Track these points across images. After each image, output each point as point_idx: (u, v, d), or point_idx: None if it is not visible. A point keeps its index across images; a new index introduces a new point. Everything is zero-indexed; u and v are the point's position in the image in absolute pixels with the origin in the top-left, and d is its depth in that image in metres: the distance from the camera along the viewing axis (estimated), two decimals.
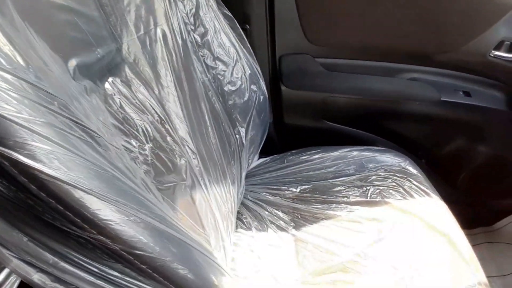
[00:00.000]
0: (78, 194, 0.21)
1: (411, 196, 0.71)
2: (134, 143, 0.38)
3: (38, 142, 0.18)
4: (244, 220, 0.73)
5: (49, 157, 0.19)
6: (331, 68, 0.83)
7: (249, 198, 0.78)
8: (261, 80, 0.74)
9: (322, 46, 0.79)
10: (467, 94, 0.85)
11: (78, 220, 0.21)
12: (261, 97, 0.73)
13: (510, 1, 0.77)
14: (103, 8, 0.41)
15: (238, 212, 0.75)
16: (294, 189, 0.79)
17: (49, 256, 0.21)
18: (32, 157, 0.18)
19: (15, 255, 0.22)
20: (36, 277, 0.22)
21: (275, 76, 0.84)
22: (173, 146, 0.45)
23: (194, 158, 0.51)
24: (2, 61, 0.20)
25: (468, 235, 1.26)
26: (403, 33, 0.79)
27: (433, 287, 0.55)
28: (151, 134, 0.41)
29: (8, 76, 0.19)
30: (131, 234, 0.23)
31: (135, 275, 0.25)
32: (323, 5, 0.72)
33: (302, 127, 0.92)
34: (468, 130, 0.92)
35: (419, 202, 0.69)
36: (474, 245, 1.17)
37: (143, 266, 0.24)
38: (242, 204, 0.77)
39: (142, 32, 0.45)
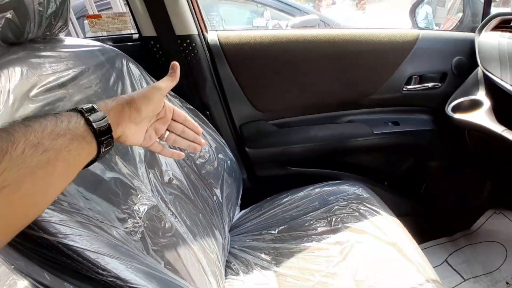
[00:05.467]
0: (98, 257, 0.38)
1: (365, 217, 0.86)
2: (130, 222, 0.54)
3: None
4: (233, 267, 0.85)
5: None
6: (282, 126, 1.03)
7: (236, 247, 0.92)
8: (226, 149, 0.93)
9: (269, 112, 1.00)
10: (395, 123, 1.05)
11: (99, 270, 0.38)
12: (228, 161, 0.91)
13: (406, 46, 1.00)
14: None
15: (228, 261, 0.88)
16: (273, 231, 0.93)
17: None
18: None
19: None
20: None
21: (240, 141, 1.04)
22: (162, 215, 0.62)
23: (177, 221, 0.67)
24: None
25: (450, 241, 1.37)
26: (331, 90, 1.01)
27: None
28: (143, 213, 0.58)
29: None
30: (127, 275, 0.40)
31: None
32: (260, 84, 0.95)
33: (272, 176, 1.09)
34: (408, 151, 1.10)
35: (371, 221, 0.84)
36: (457, 249, 1.28)
37: None
38: (230, 253, 0.90)
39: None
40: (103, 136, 0.36)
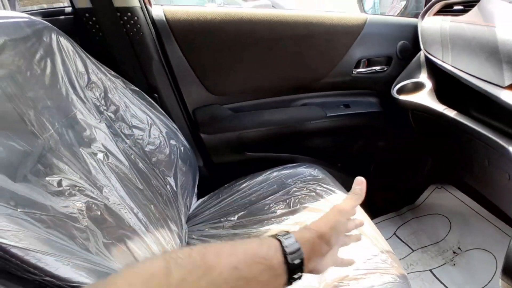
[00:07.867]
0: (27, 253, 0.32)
1: (322, 196, 0.87)
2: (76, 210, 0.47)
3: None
4: None
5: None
6: (237, 110, 1.00)
7: (194, 237, 0.87)
8: (179, 134, 0.87)
9: (224, 95, 0.96)
10: (346, 106, 1.08)
11: (36, 271, 0.33)
12: (182, 148, 0.86)
13: (355, 30, 1.03)
14: (22, 117, 0.51)
15: None
16: (232, 218, 0.90)
17: None
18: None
19: None
20: None
21: (193, 127, 0.99)
22: (113, 207, 0.55)
23: (127, 213, 0.60)
24: None
25: (397, 216, 1.46)
26: (285, 73, 1.00)
27: None
28: (92, 204, 0.51)
29: None
30: (65, 273, 0.34)
31: None
32: (213, 65, 0.90)
33: (229, 162, 1.06)
34: (358, 132, 1.14)
35: (327, 200, 0.85)
36: (404, 222, 1.38)
37: None
38: (189, 244, 0.86)
39: (56, 126, 0.56)
40: (295, 273, 0.35)
